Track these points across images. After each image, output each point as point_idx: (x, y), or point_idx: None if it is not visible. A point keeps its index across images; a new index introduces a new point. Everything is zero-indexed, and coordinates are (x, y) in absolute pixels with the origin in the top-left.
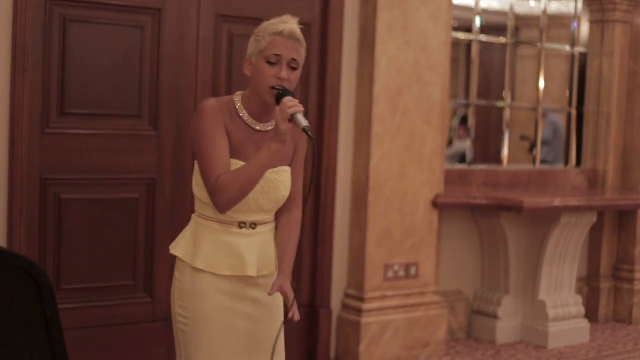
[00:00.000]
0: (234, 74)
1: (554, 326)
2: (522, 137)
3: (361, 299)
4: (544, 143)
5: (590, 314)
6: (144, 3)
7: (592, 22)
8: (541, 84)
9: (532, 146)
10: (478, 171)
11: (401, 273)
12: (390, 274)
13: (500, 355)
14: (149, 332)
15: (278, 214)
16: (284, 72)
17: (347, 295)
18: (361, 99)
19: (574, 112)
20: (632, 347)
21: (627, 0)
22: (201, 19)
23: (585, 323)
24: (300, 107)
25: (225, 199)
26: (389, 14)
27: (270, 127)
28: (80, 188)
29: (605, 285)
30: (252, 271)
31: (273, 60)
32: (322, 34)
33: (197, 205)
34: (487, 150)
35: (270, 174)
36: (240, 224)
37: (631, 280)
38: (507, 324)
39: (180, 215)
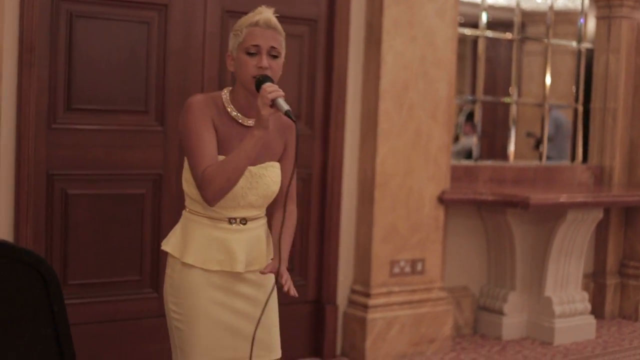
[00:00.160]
0: None
1: (560, 323)
2: (529, 135)
3: (367, 295)
4: (548, 139)
5: (597, 311)
6: None
7: (599, 19)
8: (548, 80)
9: (538, 143)
10: (484, 167)
11: (407, 269)
12: (396, 270)
13: (506, 352)
14: (156, 327)
15: (272, 211)
16: (264, 61)
17: (353, 291)
18: (367, 95)
19: (580, 108)
20: (638, 344)
21: None
22: (208, 15)
23: (591, 319)
24: (281, 92)
25: (212, 191)
26: (396, 10)
27: None
28: (86, 184)
29: (611, 281)
30: (240, 267)
31: (252, 51)
32: (328, 30)
33: (187, 202)
34: (494, 147)
35: (257, 169)
36: (231, 220)
37: (637, 277)
38: (513, 321)
39: None
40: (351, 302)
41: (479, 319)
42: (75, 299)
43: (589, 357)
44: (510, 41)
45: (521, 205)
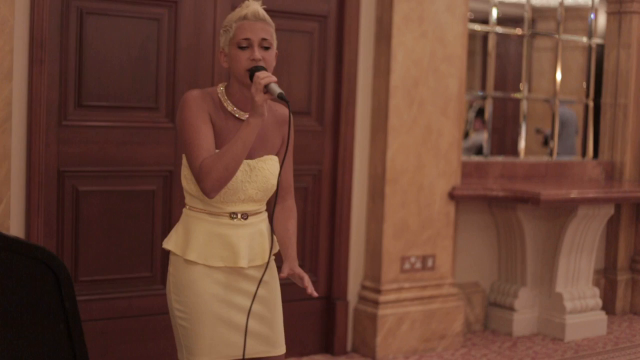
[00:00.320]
0: None
1: (571, 318)
2: (538, 131)
3: (378, 291)
4: (551, 136)
5: (608, 307)
6: None
7: (610, 14)
8: (558, 76)
9: (546, 139)
10: (495, 163)
11: (418, 265)
12: (407, 266)
13: (517, 348)
14: (166, 323)
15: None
16: (257, 53)
17: (363, 287)
18: (378, 91)
19: (591, 104)
20: None
21: None
22: (218, 11)
23: (602, 315)
24: (273, 78)
25: (211, 181)
26: (406, 6)
27: None
28: (97, 180)
29: (622, 277)
30: (244, 262)
31: (244, 44)
32: (338, 25)
33: (187, 199)
34: (504, 143)
35: (256, 162)
36: (232, 215)
37: None
38: (524, 316)
39: None
40: (362, 298)
41: (490, 315)
42: (86, 296)
43: (600, 353)
44: (521, 37)
45: (532, 201)
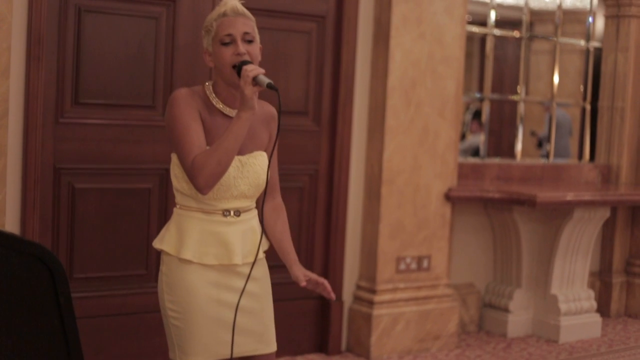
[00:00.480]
0: None
1: (566, 320)
2: (532, 134)
3: (373, 291)
4: (545, 139)
5: (602, 309)
6: None
7: (608, 17)
8: (556, 79)
9: (540, 142)
10: (491, 165)
11: (413, 266)
12: (402, 266)
13: (512, 349)
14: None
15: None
16: (241, 47)
17: (359, 287)
18: (375, 91)
19: (588, 107)
20: None
21: None
22: None
23: (597, 318)
24: (261, 70)
25: (204, 177)
26: (404, 7)
27: None
28: (94, 178)
29: (617, 280)
30: (238, 259)
31: (227, 40)
32: (336, 26)
33: (179, 198)
34: (501, 145)
35: (247, 158)
36: (225, 212)
37: None
38: (518, 318)
39: None
40: (357, 298)
41: (485, 316)
42: (81, 293)
43: (595, 355)
44: (519, 39)
45: (528, 203)
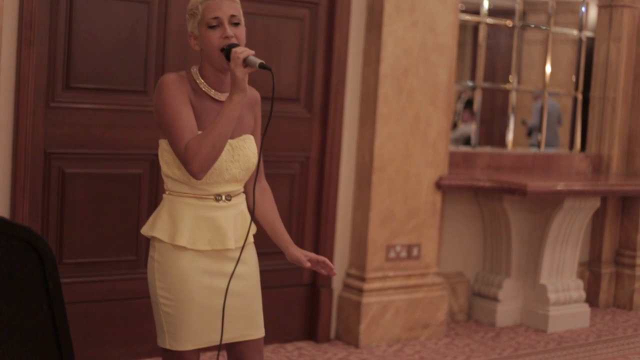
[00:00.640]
0: None
1: (555, 310)
2: (523, 123)
3: (363, 279)
4: (534, 128)
5: (591, 299)
6: None
7: (601, 7)
8: (548, 68)
9: (530, 131)
10: (482, 154)
11: (403, 254)
12: (392, 254)
13: (500, 338)
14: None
15: (248, 187)
16: (228, 30)
17: (348, 275)
18: (367, 79)
19: (580, 97)
20: (632, 333)
21: None
22: None
23: (585, 308)
24: (251, 51)
25: (199, 162)
26: None
27: None
28: (84, 163)
29: (606, 270)
30: (231, 244)
31: (214, 23)
32: (329, 13)
33: (170, 185)
34: (492, 134)
35: (237, 142)
36: (217, 197)
37: (633, 266)
38: (507, 307)
39: None
40: (346, 286)
41: (474, 305)
42: (70, 278)
43: (583, 345)
44: (511, 29)
45: (518, 192)
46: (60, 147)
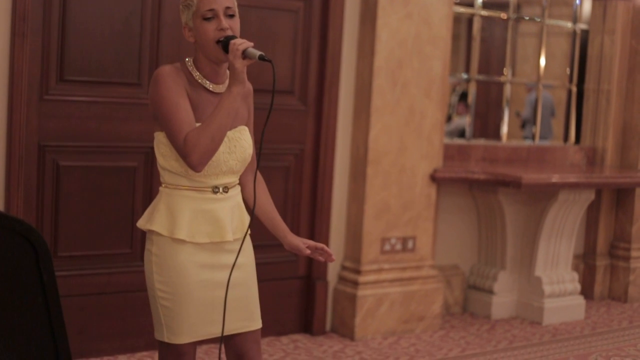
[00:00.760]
0: None
1: (550, 302)
2: (517, 114)
3: (358, 272)
4: (528, 120)
5: (586, 292)
6: None
7: (595, 0)
8: (542, 61)
9: (524, 123)
10: (477, 146)
11: (398, 247)
12: (387, 247)
13: (496, 331)
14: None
15: (243, 179)
16: (224, 22)
17: (343, 267)
18: (361, 71)
19: (574, 89)
20: (627, 325)
21: None
22: None
23: (580, 300)
24: (250, 43)
25: (198, 154)
26: None
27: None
28: (78, 155)
29: (601, 263)
30: (230, 236)
31: (209, 15)
32: (323, 5)
33: (166, 177)
34: (487, 127)
35: (234, 133)
36: (214, 189)
37: (627, 259)
38: (502, 300)
39: None
40: (341, 279)
41: (469, 297)
42: (65, 271)
43: (578, 338)
44: (506, 21)
45: (513, 184)
46: (55, 140)
